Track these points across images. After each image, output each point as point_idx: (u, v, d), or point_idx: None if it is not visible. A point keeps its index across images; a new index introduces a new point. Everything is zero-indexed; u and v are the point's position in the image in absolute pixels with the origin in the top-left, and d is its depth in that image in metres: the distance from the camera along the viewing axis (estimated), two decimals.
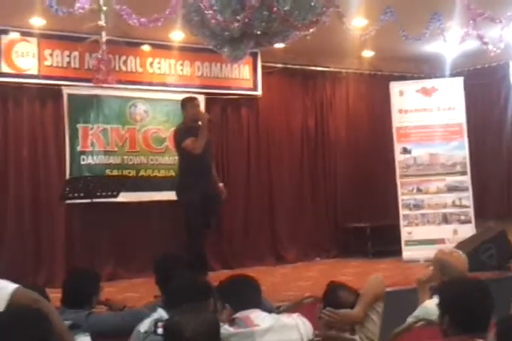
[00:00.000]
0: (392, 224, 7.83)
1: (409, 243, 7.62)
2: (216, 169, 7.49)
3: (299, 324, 2.80)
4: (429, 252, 6.56)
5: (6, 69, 6.34)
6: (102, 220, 6.70)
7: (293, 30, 4.74)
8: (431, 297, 3.45)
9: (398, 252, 7.59)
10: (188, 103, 6.28)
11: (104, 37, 4.11)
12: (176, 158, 6.57)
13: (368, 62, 8.25)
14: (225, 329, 2.61)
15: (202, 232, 6.13)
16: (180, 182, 6.25)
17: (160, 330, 2.29)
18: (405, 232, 7.67)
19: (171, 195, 6.46)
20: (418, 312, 3.31)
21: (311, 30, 4.75)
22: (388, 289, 3.65)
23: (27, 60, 6.43)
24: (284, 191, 8.07)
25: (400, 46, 7.32)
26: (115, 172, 6.90)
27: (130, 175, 6.95)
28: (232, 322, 2.75)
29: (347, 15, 5.07)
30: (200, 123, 6.10)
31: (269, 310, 3.00)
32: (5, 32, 6.33)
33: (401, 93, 7.94)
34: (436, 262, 3.62)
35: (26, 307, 2.25)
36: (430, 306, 3.18)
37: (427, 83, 8.01)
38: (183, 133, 6.12)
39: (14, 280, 2.62)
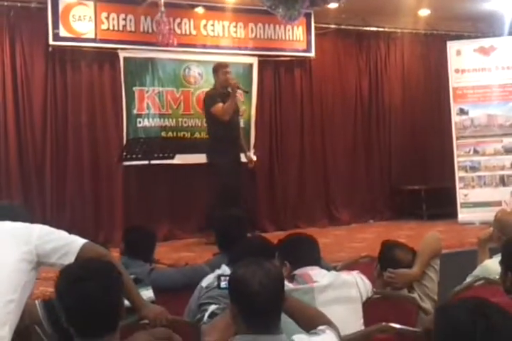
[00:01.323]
0: (448, 187, 7.74)
1: (464, 205, 7.53)
2: (269, 130, 7.59)
3: (358, 281, 2.84)
4: (485, 215, 6.56)
5: (64, 33, 6.40)
6: (157, 182, 6.81)
7: None
8: (490, 257, 3.44)
9: (453, 215, 7.51)
10: (219, 69, 6.32)
11: None
12: None
13: (423, 22, 8.03)
14: (285, 285, 2.66)
15: (239, 194, 6.19)
16: (211, 147, 6.29)
17: (223, 284, 2.31)
18: (461, 194, 7.55)
19: None
20: (478, 272, 3.30)
21: None
22: (444, 251, 3.65)
23: (84, 23, 6.48)
24: (337, 153, 8.04)
25: (457, 4, 7.14)
26: (170, 135, 6.99)
27: (185, 137, 7.04)
28: (291, 278, 2.80)
29: None
30: (229, 90, 6.17)
31: (327, 269, 3.04)
32: None
33: (458, 52, 7.73)
34: (496, 222, 3.58)
35: (97, 259, 2.29)
36: (490, 265, 3.18)
37: (486, 42, 7.77)
38: (212, 98, 6.20)
39: None
